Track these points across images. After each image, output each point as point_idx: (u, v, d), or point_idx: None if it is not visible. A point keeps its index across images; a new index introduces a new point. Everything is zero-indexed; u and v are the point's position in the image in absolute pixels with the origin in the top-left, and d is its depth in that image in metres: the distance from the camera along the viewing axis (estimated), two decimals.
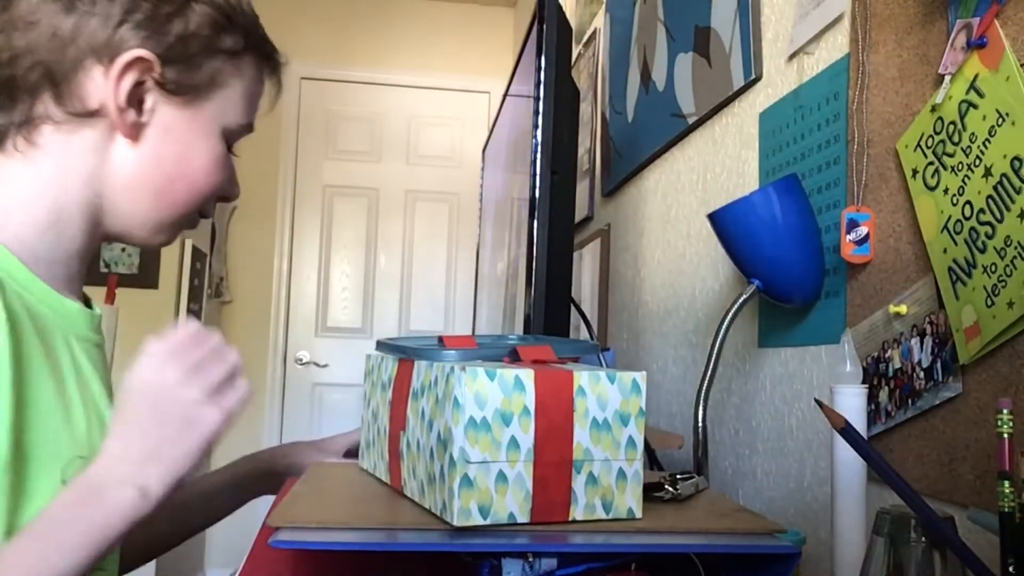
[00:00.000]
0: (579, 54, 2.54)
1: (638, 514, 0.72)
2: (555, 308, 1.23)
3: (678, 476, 0.83)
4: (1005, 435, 0.60)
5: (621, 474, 0.71)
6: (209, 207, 0.85)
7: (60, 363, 0.75)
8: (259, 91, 0.85)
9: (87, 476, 0.64)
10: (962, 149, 0.85)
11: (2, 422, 0.66)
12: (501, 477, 0.67)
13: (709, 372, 1.16)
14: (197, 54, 0.78)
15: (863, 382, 0.83)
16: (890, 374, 0.96)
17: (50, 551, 0.60)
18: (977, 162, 0.83)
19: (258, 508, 4.14)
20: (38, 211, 0.76)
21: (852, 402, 0.80)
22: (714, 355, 1.16)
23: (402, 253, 4.06)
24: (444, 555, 0.73)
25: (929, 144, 0.90)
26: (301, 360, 3.93)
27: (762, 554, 0.71)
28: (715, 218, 1.16)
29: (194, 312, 3.37)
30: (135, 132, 0.77)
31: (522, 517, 0.68)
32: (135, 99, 0.76)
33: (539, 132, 1.22)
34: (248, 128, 0.85)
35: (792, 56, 1.22)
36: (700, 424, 1.15)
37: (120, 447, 0.66)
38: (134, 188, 0.79)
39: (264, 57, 0.86)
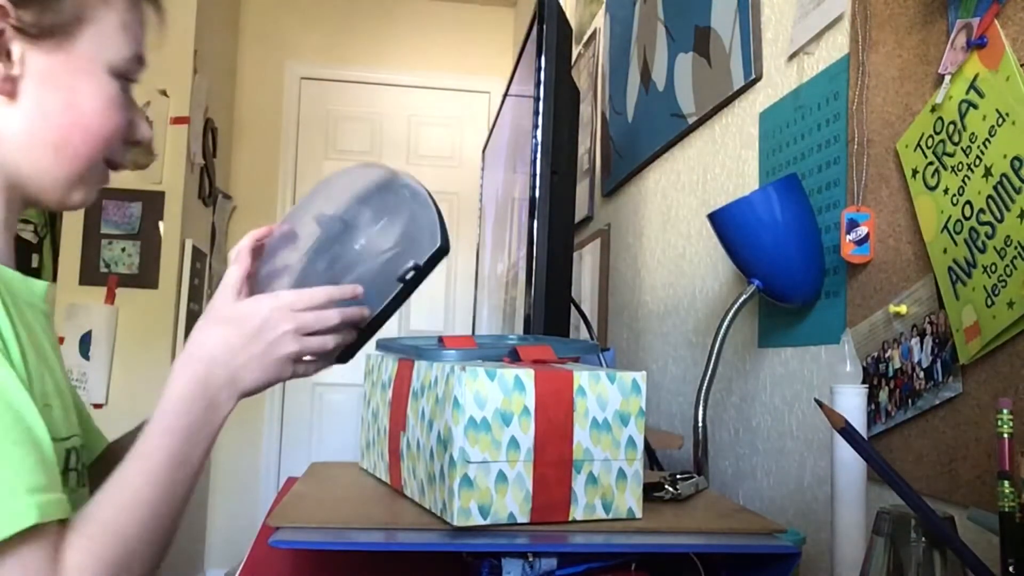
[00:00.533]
0: (579, 54, 2.54)
1: (638, 514, 0.72)
2: (555, 308, 1.23)
3: (678, 476, 0.83)
4: (1005, 435, 0.60)
5: (621, 474, 0.71)
6: (118, 155, 0.80)
7: (35, 333, 0.74)
8: (136, 19, 0.79)
9: (199, 376, 0.72)
10: (962, 149, 0.85)
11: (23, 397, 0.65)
12: (501, 477, 0.67)
13: (709, 372, 1.16)
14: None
15: (863, 382, 0.83)
16: (890, 374, 0.96)
17: (175, 441, 0.70)
18: (977, 162, 0.83)
19: (258, 508, 4.13)
20: None
21: (852, 402, 0.80)
22: (714, 355, 1.16)
23: None
24: (444, 555, 0.73)
25: (929, 144, 0.90)
26: None
27: (762, 554, 0.71)
28: (715, 218, 1.16)
29: (194, 312, 3.36)
30: (10, 88, 0.73)
31: (522, 517, 0.68)
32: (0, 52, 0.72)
33: (539, 132, 1.22)
34: (138, 61, 0.78)
35: (792, 56, 1.22)
36: (700, 424, 1.15)
37: (226, 354, 0.74)
38: (29, 147, 0.74)
39: None
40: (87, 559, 0.63)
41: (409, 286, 0.77)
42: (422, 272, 0.77)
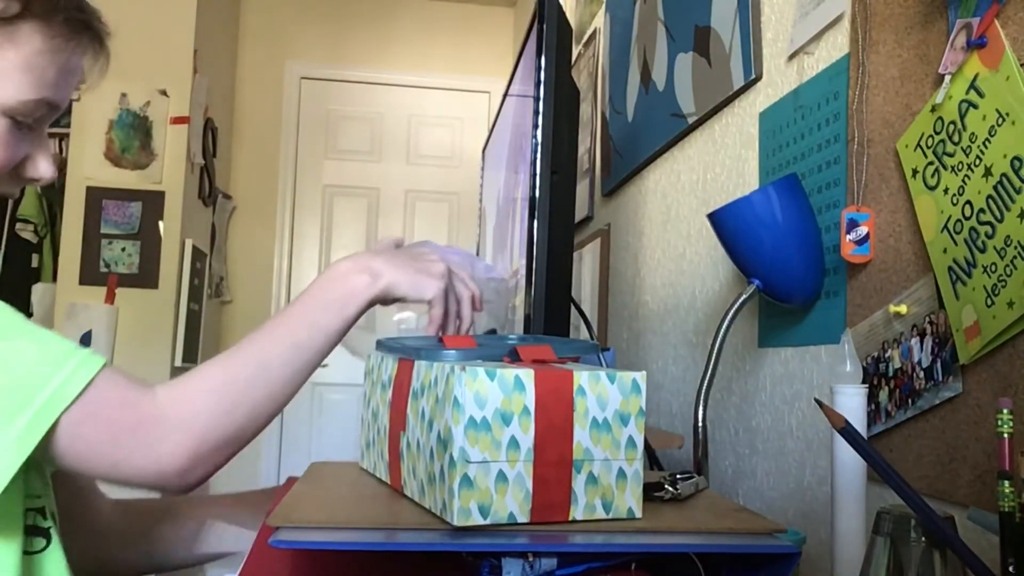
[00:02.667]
0: (579, 54, 2.54)
1: (638, 514, 0.72)
2: (555, 308, 1.23)
3: (678, 476, 0.83)
4: (1005, 435, 0.60)
5: (621, 474, 0.71)
6: (3, 186, 0.78)
7: None
8: (53, 63, 0.74)
9: (342, 267, 0.79)
10: (962, 149, 0.85)
11: None
12: (501, 477, 0.67)
13: (709, 372, 1.16)
14: None
15: (863, 382, 0.83)
16: (890, 374, 0.96)
17: (302, 319, 0.74)
18: (977, 162, 0.83)
19: None
20: None
21: (852, 402, 0.80)
22: (714, 355, 1.16)
23: None
24: (444, 555, 0.73)
25: (929, 144, 0.90)
26: None
27: (762, 554, 0.71)
28: (715, 218, 1.16)
29: (194, 312, 3.36)
30: None
31: (522, 517, 0.68)
32: None
33: (539, 132, 1.22)
34: (45, 104, 0.75)
35: (792, 56, 1.22)
36: (700, 424, 1.15)
37: (373, 255, 0.81)
38: None
39: (66, 27, 0.76)
40: (191, 382, 0.67)
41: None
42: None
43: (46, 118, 0.77)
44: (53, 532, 0.74)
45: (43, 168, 0.78)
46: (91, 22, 0.79)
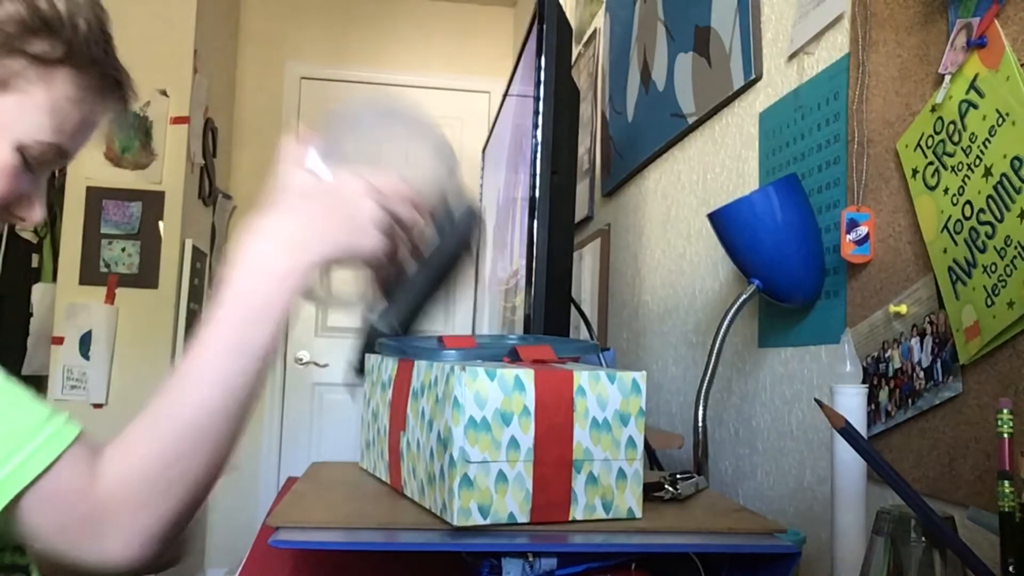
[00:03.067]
0: (579, 54, 2.54)
1: (638, 514, 0.72)
2: (555, 308, 1.23)
3: (678, 476, 0.83)
4: (1005, 435, 0.60)
5: (621, 474, 0.71)
6: None
7: None
8: (77, 113, 0.75)
9: (256, 253, 0.68)
10: (962, 149, 0.85)
11: None
12: (501, 477, 0.67)
13: (709, 372, 1.16)
14: None
15: (863, 382, 0.83)
16: (890, 374, 0.96)
17: (228, 329, 0.65)
18: (977, 162, 0.83)
19: (258, 508, 4.13)
20: None
21: (852, 402, 0.81)
22: (714, 355, 1.16)
23: None
24: (444, 555, 0.73)
25: (929, 144, 0.90)
26: (301, 360, 3.93)
27: (762, 554, 0.71)
28: (715, 218, 1.16)
29: (194, 312, 3.36)
30: None
31: (522, 517, 0.68)
32: None
33: (539, 132, 1.22)
34: (57, 151, 0.75)
35: (792, 56, 1.22)
36: (700, 424, 1.15)
37: (267, 239, 0.69)
38: None
39: (100, 82, 0.76)
40: (122, 466, 0.60)
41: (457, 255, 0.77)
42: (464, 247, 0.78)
43: (51, 164, 0.77)
44: (32, 569, 0.73)
45: (36, 212, 0.77)
46: (124, 84, 0.79)
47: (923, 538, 0.62)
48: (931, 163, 0.90)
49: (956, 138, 0.86)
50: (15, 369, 2.55)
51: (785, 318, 1.21)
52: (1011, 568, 0.59)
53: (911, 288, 0.93)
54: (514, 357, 0.77)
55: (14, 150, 0.73)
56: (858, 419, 0.80)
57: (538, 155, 1.22)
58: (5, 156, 0.73)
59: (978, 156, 0.83)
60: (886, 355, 0.97)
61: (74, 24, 0.73)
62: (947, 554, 0.62)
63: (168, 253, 3.21)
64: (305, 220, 0.70)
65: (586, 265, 2.29)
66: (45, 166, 0.76)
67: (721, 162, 1.48)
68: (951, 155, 0.87)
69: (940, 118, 0.88)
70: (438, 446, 0.70)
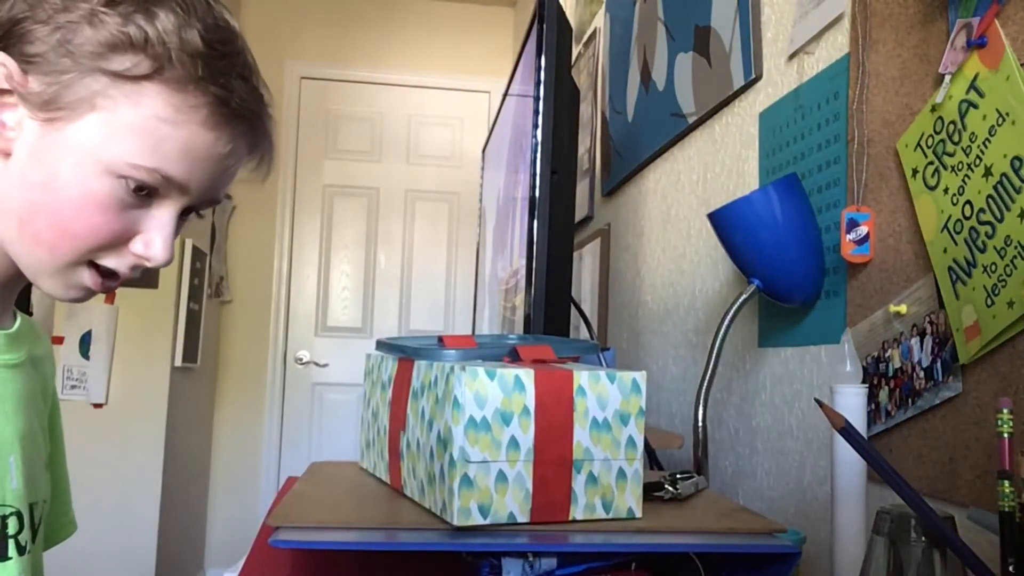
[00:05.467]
0: (579, 54, 2.54)
1: (638, 514, 0.72)
2: (555, 308, 1.23)
3: (678, 476, 0.83)
4: (1005, 435, 0.60)
5: (621, 474, 0.71)
6: (107, 260, 0.70)
7: None
8: (176, 135, 0.68)
9: None
10: (962, 149, 0.85)
11: None
12: (501, 477, 0.67)
13: (709, 372, 1.16)
14: (71, 69, 0.66)
15: (863, 382, 0.83)
16: (890, 374, 0.96)
17: None
18: (977, 162, 0.83)
19: (258, 508, 4.12)
20: None
21: (852, 402, 0.80)
22: (714, 355, 1.16)
23: (402, 253, 4.06)
24: (444, 555, 0.73)
25: (929, 144, 0.90)
26: (301, 360, 3.93)
27: (762, 553, 0.71)
28: (715, 218, 1.16)
29: (194, 312, 3.36)
30: (4, 145, 0.68)
31: (522, 517, 0.68)
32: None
33: (539, 132, 1.22)
34: (164, 180, 0.69)
35: (792, 56, 1.22)
36: (700, 424, 1.15)
37: None
38: (3, 210, 0.69)
39: (201, 105, 0.69)
40: None
41: None
42: None
43: (170, 197, 0.70)
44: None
45: (154, 249, 0.70)
46: (243, 112, 0.71)
47: (923, 538, 0.62)
48: (931, 163, 0.90)
49: (956, 138, 0.86)
50: None
51: (785, 318, 1.21)
52: (1011, 568, 0.59)
53: (911, 288, 0.93)
54: (514, 357, 0.76)
55: (108, 176, 0.67)
56: (858, 419, 0.80)
57: (538, 155, 1.22)
58: (93, 183, 0.67)
59: (978, 156, 0.83)
60: (886, 355, 0.97)
61: (164, 40, 0.67)
62: (947, 554, 0.62)
63: None
64: None
65: (586, 265, 2.29)
66: (162, 200, 0.70)
67: (721, 162, 1.48)
68: (951, 155, 0.87)
69: (940, 118, 0.88)
70: (438, 446, 0.70)
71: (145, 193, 0.69)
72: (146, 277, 3.18)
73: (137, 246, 0.70)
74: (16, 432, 0.74)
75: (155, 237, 0.70)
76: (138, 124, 0.67)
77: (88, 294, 0.73)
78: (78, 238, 0.68)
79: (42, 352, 0.85)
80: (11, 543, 0.71)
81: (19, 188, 0.68)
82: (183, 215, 0.74)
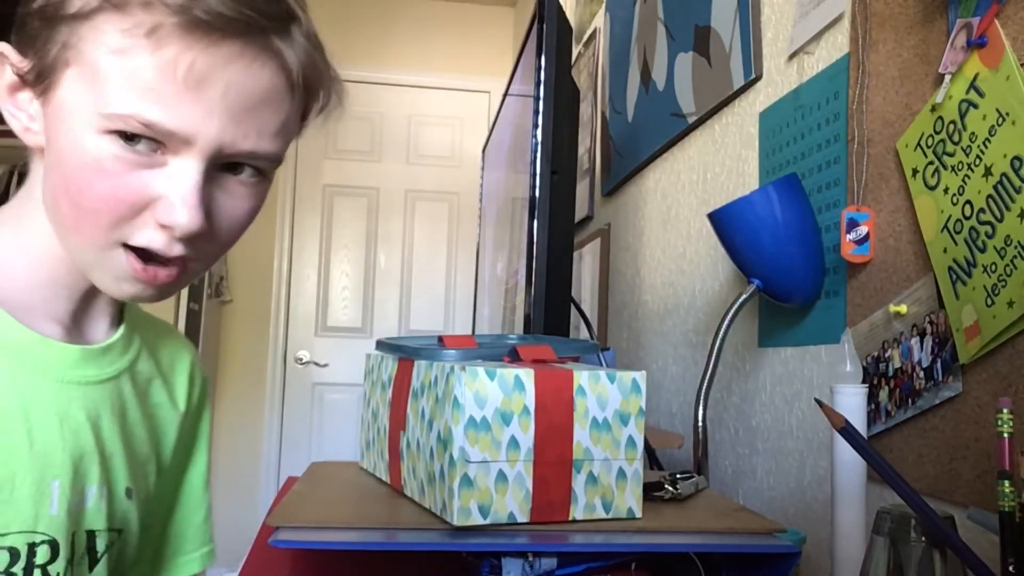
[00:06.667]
0: (579, 54, 2.54)
1: (638, 514, 0.72)
2: (555, 308, 1.23)
3: (678, 476, 0.83)
4: (1005, 435, 0.60)
5: (621, 474, 0.71)
6: (134, 236, 0.62)
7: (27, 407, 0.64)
8: (136, 67, 0.58)
9: None
10: (962, 149, 0.85)
11: None
12: (501, 477, 0.67)
13: (709, 372, 1.16)
14: (41, 29, 0.61)
15: (863, 382, 0.83)
16: (890, 374, 0.96)
17: None
18: (977, 161, 0.83)
19: (258, 508, 4.13)
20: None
21: (852, 402, 0.80)
22: (714, 355, 1.16)
23: (402, 253, 4.06)
24: (444, 555, 0.73)
25: (929, 144, 0.90)
26: (301, 360, 3.93)
27: (762, 553, 0.71)
28: (715, 218, 1.16)
29: (194, 312, 3.36)
30: (33, 139, 0.65)
31: (522, 517, 0.68)
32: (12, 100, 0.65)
33: (539, 132, 1.22)
34: (144, 127, 0.59)
35: (792, 56, 1.22)
36: (700, 424, 1.15)
37: None
38: (46, 208, 0.66)
39: (153, 14, 0.58)
40: None
41: None
42: None
43: (179, 151, 0.61)
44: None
45: (173, 212, 0.61)
46: (214, 22, 0.58)
47: (923, 538, 0.62)
48: (931, 163, 0.90)
49: (956, 138, 0.86)
50: None
51: (785, 318, 1.21)
52: (1011, 568, 0.59)
53: (911, 288, 0.93)
54: (514, 357, 0.76)
55: (94, 135, 0.60)
56: (858, 419, 0.80)
57: (538, 155, 1.22)
58: (92, 145, 0.60)
59: (978, 156, 0.83)
60: (886, 355, 0.97)
61: None
62: (947, 554, 0.62)
63: None
64: None
65: (586, 265, 2.29)
66: (171, 155, 0.61)
67: (721, 162, 1.48)
68: (951, 155, 0.87)
69: (940, 118, 0.88)
70: (438, 446, 0.70)
71: (147, 148, 0.61)
72: None
73: (158, 212, 0.61)
74: (71, 455, 0.66)
75: (172, 198, 0.61)
76: (101, 67, 0.59)
77: (144, 289, 0.65)
78: (92, 212, 0.61)
79: (166, 361, 0.80)
80: (37, 572, 0.63)
81: (45, 178, 0.65)
82: (228, 171, 0.64)
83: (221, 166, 0.64)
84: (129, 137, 0.60)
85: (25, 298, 0.67)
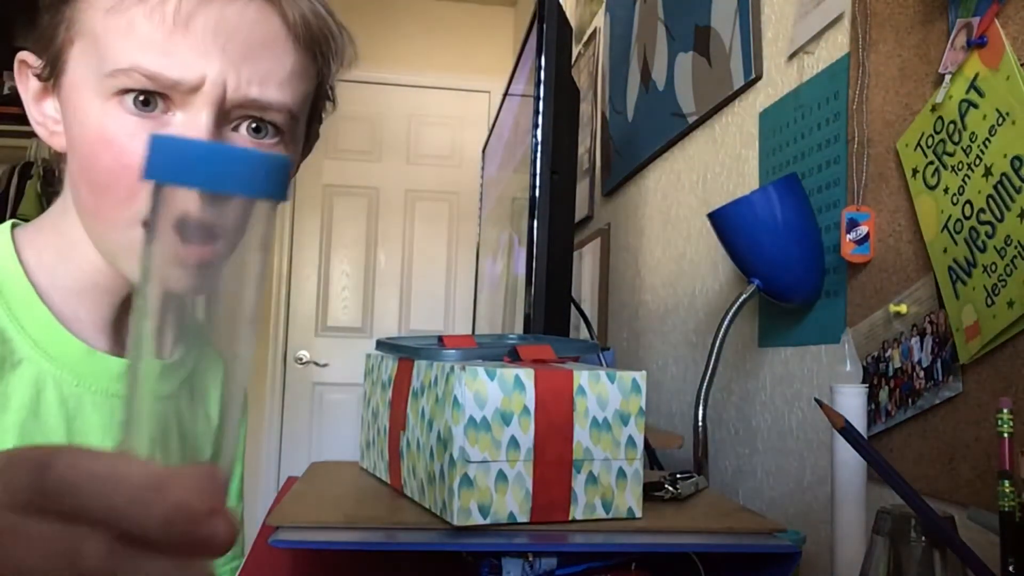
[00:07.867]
0: (579, 54, 2.54)
1: (638, 513, 0.71)
2: (555, 308, 1.23)
3: (678, 476, 0.83)
4: (1005, 434, 0.60)
5: (621, 474, 0.71)
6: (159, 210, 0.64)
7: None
8: (130, 19, 0.59)
9: None
10: (962, 148, 0.85)
11: None
12: (501, 477, 0.67)
13: (709, 372, 1.16)
14: (49, 21, 0.62)
15: (863, 382, 0.83)
16: (890, 374, 0.96)
17: None
18: (977, 161, 0.83)
19: (258, 508, 4.15)
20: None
21: (852, 402, 0.80)
22: (714, 355, 1.16)
23: (402, 253, 4.06)
24: (444, 555, 0.73)
25: (929, 143, 0.90)
26: (301, 360, 3.93)
27: (762, 553, 0.71)
28: (715, 218, 1.16)
29: None
30: (59, 142, 0.66)
31: (522, 517, 0.68)
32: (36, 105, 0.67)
33: (539, 132, 1.22)
34: (142, 77, 0.59)
35: (792, 55, 1.22)
36: (700, 424, 1.15)
37: None
38: (74, 203, 0.66)
39: None
40: None
41: None
42: None
43: (183, 104, 0.60)
44: None
45: None
46: None
47: (923, 538, 0.62)
48: (931, 163, 0.90)
49: (956, 138, 0.86)
50: None
51: (785, 318, 1.21)
52: (1011, 568, 0.59)
53: (911, 288, 0.93)
54: (514, 357, 0.76)
55: (100, 101, 0.60)
56: (858, 419, 0.80)
57: (538, 155, 1.22)
58: (96, 119, 0.60)
59: (978, 156, 0.83)
60: (886, 355, 0.97)
61: None
62: (947, 554, 0.62)
63: None
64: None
65: (586, 265, 2.29)
66: (178, 108, 0.60)
67: (721, 162, 1.48)
68: (951, 155, 0.87)
69: (940, 118, 0.88)
70: (438, 446, 0.70)
71: (152, 109, 0.60)
72: None
73: None
74: None
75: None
76: (99, 31, 0.60)
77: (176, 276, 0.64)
78: (105, 188, 0.60)
79: (203, 373, 0.79)
80: None
81: (68, 173, 0.65)
82: (244, 133, 0.63)
83: (235, 127, 0.63)
84: (134, 100, 0.60)
85: (72, 306, 0.67)
